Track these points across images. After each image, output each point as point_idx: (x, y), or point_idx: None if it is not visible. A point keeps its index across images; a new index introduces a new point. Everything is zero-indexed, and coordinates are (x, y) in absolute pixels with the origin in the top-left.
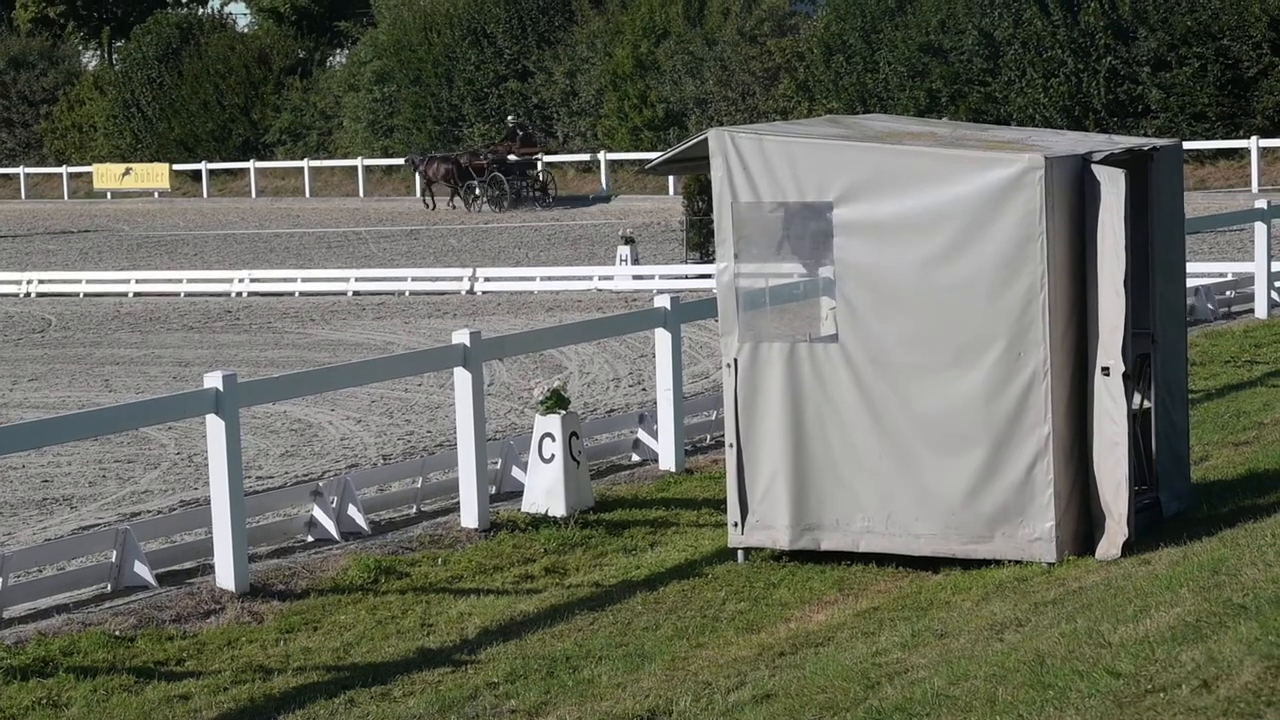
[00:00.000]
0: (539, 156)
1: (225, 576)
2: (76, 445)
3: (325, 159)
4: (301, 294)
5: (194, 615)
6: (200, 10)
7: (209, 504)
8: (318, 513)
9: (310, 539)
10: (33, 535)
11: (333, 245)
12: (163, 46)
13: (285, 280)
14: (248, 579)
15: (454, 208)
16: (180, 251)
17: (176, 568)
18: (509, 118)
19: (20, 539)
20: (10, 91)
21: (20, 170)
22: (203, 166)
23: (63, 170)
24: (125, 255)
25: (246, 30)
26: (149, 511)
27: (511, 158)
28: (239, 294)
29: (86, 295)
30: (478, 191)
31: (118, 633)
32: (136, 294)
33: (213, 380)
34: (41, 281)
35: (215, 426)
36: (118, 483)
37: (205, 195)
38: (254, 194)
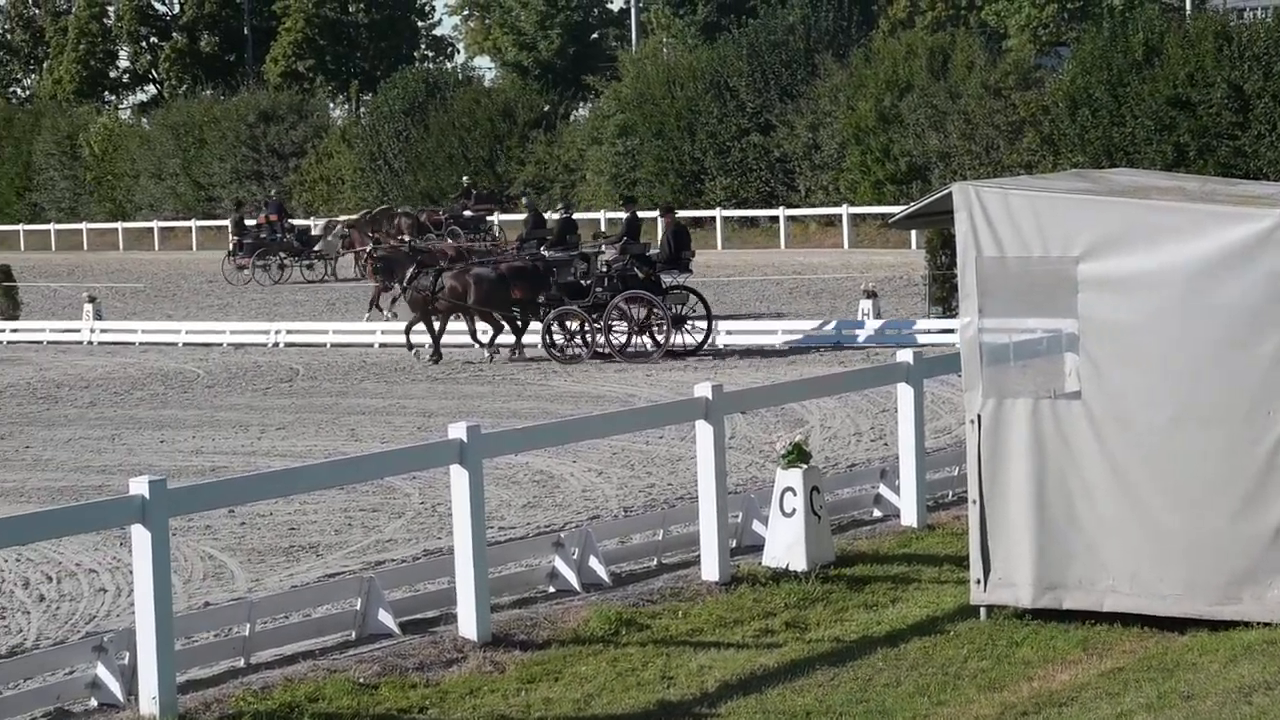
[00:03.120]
0: (493, 213)
1: (468, 626)
2: (323, 494)
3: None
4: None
5: (437, 664)
6: (446, 64)
7: (452, 553)
8: (559, 564)
9: (552, 589)
10: (280, 582)
11: None
12: (409, 100)
13: (530, 332)
14: (490, 628)
15: None
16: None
17: (419, 616)
18: (464, 178)
19: (268, 585)
20: (260, 144)
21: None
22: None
23: (310, 222)
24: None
25: (491, 84)
26: (393, 560)
27: (467, 213)
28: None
29: (333, 345)
30: None
31: (362, 680)
32: (382, 345)
33: (457, 431)
34: (290, 331)
35: (459, 477)
36: (363, 531)
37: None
38: None
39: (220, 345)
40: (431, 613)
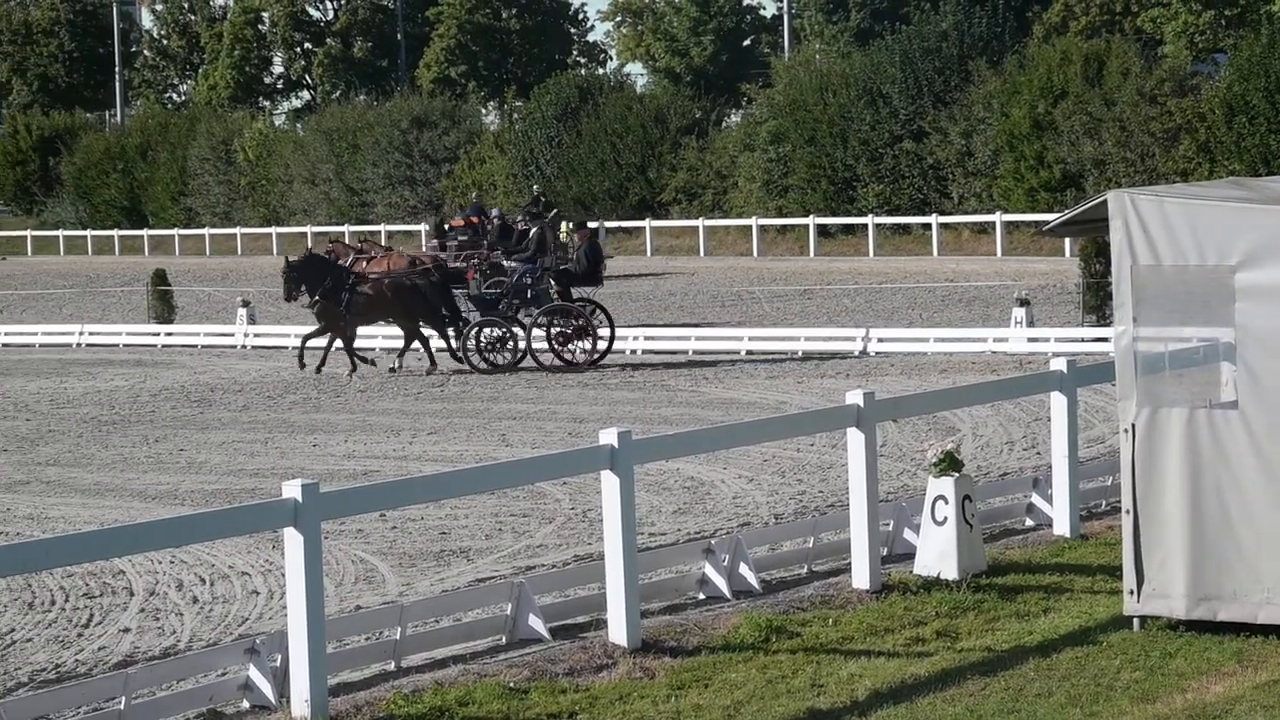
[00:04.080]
0: (559, 222)
1: (618, 631)
2: (473, 498)
3: (720, 218)
4: (695, 352)
5: (586, 669)
6: (599, 71)
7: (602, 559)
8: (709, 570)
9: (702, 596)
10: (430, 586)
11: (726, 304)
12: (562, 106)
13: (679, 338)
14: (640, 634)
15: None
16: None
17: (569, 621)
18: (535, 186)
19: (418, 589)
20: (413, 150)
21: (420, 227)
22: (599, 225)
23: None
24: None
25: (644, 90)
26: (543, 565)
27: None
28: (633, 351)
29: None
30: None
31: (512, 684)
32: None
33: (608, 437)
34: (440, 336)
35: (610, 483)
36: (513, 536)
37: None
38: (649, 252)
39: (373, 350)
40: (581, 618)
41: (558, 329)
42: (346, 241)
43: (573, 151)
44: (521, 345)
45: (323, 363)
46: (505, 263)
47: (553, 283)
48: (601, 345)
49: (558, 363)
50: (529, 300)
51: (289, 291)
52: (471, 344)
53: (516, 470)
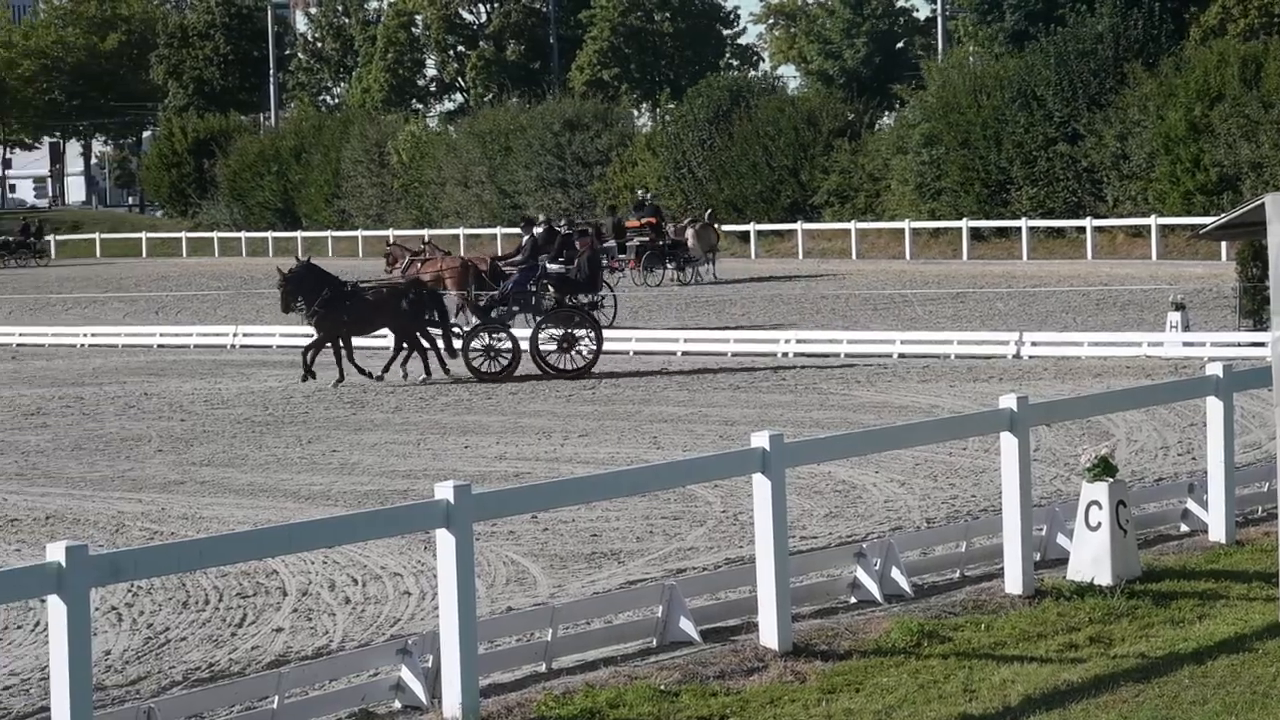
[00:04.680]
0: (661, 225)
1: (769, 635)
2: (625, 501)
3: (872, 221)
4: (846, 355)
5: (737, 672)
6: (751, 73)
7: (753, 562)
8: (861, 574)
9: (853, 600)
10: (581, 588)
11: (878, 307)
12: (714, 108)
13: (830, 341)
14: (791, 638)
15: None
16: (727, 311)
17: (720, 624)
18: (638, 190)
19: (570, 591)
20: (565, 152)
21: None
22: (750, 227)
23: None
24: (674, 314)
25: (796, 93)
26: (694, 568)
27: (628, 225)
28: (784, 354)
29: (636, 353)
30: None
31: (663, 687)
32: (684, 353)
33: (760, 440)
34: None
35: (761, 486)
36: (664, 539)
37: (753, 256)
38: (800, 255)
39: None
40: (732, 621)
41: (562, 332)
42: (405, 244)
43: (725, 154)
44: (522, 350)
45: (341, 374)
46: (504, 268)
47: (551, 289)
48: (590, 356)
49: (557, 368)
50: (529, 306)
51: (286, 303)
52: (458, 346)
53: (668, 473)
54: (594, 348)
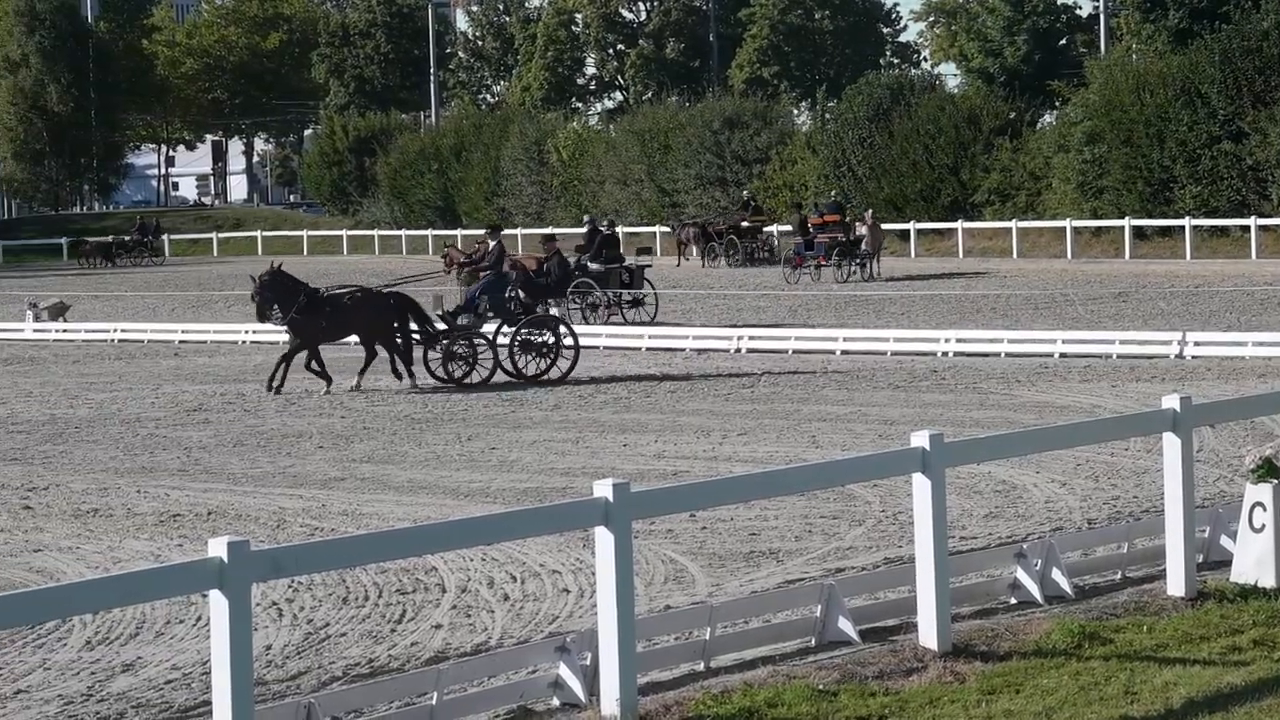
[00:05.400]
0: (767, 225)
1: (928, 635)
2: (783, 500)
3: (1033, 220)
4: (1007, 355)
5: (896, 672)
6: (911, 71)
7: (912, 562)
8: (1021, 575)
9: (1013, 601)
10: (740, 587)
11: (1039, 306)
12: (874, 106)
13: (991, 341)
14: (950, 638)
15: (704, 265)
16: (887, 310)
17: (879, 624)
18: (744, 191)
19: (728, 590)
20: (724, 151)
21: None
22: (910, 226)
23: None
24: (833, 313)
25: (957, 91)
26: (853, 568)
27: (744, 224)
28: (944, 354)
29: (795, 352)
30: (716, 250)
31: (821, 686)
32: (844, 352)
33: (919, 439)
34: (751, 338)
35: (921, 485)
36: (823, 538)
37: (913, 255)
38: (960, 254)
39: (682, 350)
40: (891, 621)
41: (539, 340)
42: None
43: (884, 152)
44: (497, 357)
45: (328, 381)
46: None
47: (521, 294)
48: (564, 364)
49: (526, 373)
50: (506, 314)
51: (261, 312)
52: (436, 355)
53: (827, 472)
54: (567, 355)
